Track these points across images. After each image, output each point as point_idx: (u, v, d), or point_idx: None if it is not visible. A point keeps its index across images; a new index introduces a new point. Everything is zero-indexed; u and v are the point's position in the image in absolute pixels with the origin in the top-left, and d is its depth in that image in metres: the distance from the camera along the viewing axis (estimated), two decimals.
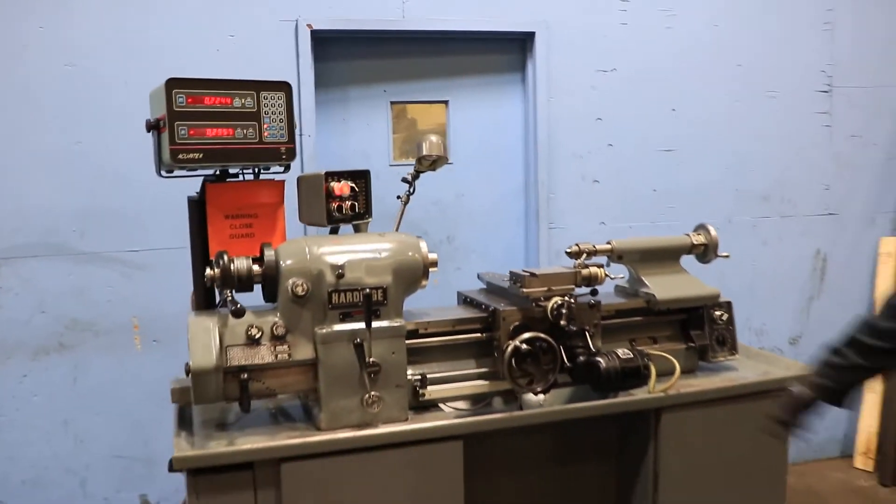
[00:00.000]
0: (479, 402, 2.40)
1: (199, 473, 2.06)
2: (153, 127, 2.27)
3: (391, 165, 3.92)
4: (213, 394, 2.11)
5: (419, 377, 2.30)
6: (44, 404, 3.55)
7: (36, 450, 3.57)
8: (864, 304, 4.54)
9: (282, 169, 2.44)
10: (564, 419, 2.38)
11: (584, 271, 2.45)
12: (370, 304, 2.15)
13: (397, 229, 2.78)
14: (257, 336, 2.13)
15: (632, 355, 2.30)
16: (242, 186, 2.45)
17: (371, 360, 2.16)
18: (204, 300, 2.50)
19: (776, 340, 4.51)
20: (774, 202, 4.48)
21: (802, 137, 4.48)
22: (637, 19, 4.15)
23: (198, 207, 2.44)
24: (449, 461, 2.21)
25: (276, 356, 2.15)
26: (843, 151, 4.52)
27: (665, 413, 2.42)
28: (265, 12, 3.63)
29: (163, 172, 2.36)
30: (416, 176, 2.87)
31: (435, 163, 2.79)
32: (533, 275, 2.37)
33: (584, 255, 2.54)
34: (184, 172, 2.37)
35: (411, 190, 2.88)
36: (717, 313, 2.65)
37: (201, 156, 2.22)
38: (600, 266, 2.49)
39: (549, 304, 2.32)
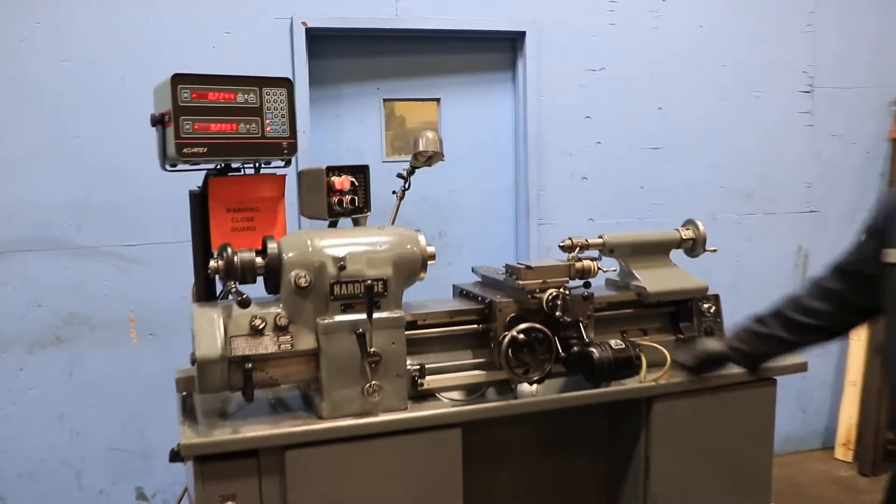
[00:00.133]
0: (474, 392, 2.46)
1: (206, 461, 2.10)
2: (158, 121, 2.31)
3: (384, 162, 3.98)
4: (217, 383, 2.15)
5: (418, 367, 2.34)
6: (40, 398, 3.58)
7: (32, 443, 3.59)
8: None
9: (282, 164, 2.49)
10: (559, 408, 2.44)
11: (578, 264, 2.51)
12: (371, 296, 2.21)
13: (393, 224, 2.84)
14: (261, 326, 2.17)
15: (624, 346, 2.36)
16: (244, 180, 2.49)
17: (372, 350, 2.21)
18: (205, 292, 2.54)
19: None
20: (758, 199, 4.58)
21: (785, 136, 4.59)
22: (625, 20, 4.23)
23: (199, 201, 2.48)
24: (448, 448, 2.27)
25: (280, 346, 2.19)
26: (824, 150, 4.63)
27: (656, 402, 2.49)
28: (260, 10, 3.68)
29: (167, 166, 2.40)
30: (411, 171, 2.92)
31: (431, 159, 2.85)
32: (529, 267, 2.43)
33: (578, 249, 2.60)
34: (186, 166, 2.41)
35: (406, 185, 2.93)
36: (706, 306, 2.72)
37: (206, 150, 2.26)
38: (593, 259, 2.56)
39: (545, 296, 2.38)
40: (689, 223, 2.84)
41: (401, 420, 2.23)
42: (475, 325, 2.47)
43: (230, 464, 2.12)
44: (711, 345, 2.28)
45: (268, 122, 2.35)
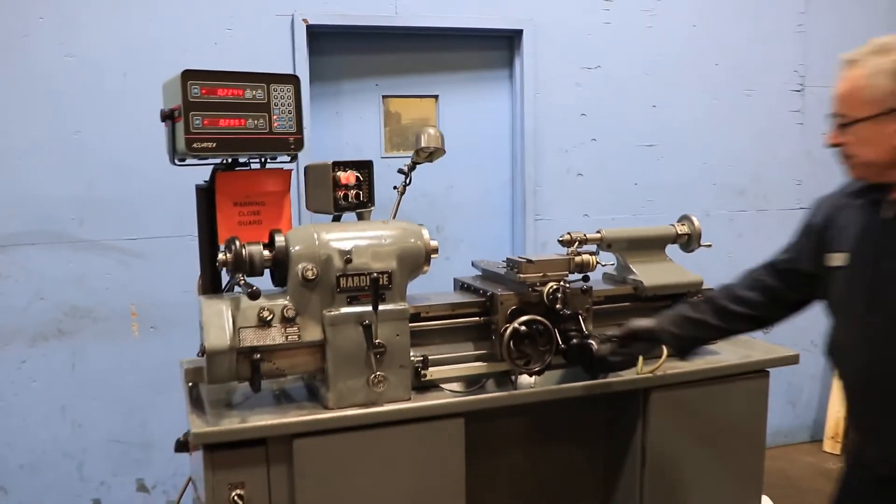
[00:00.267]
0: (474, 384, 2.50)
1: (215, 449, 2.13)
2: (167, 117, 2.35)
3: (382, 157, 4.02)
4: (226, 373, 2.18)
5: (421, 358, 2.38)
6: (42, 390, 3.61)
7: (34, 434, 3.62)
8: None
9: (288, 158, 2.53)
10: (558, 398, 2.49)
11: (578, 259, 2.56)
12: (377, 288, 2.25)
13: (394, 218, 2.88)
14: (269, 318, 2.20)
15: None
16: (251, 175, 2.53)
17: (377, 341, 2.26)
18: (211, 284, 2.58)
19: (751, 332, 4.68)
20: (750, 196, 4.66)
21: (776, 134, 4.66)
22: (620, 19, 4.30)
23: (206, 195, 2.52)
24: (451, 437, 2.32)
25: (287, 337, 2.22)
26: (814, 148, 4.70)
27: (653, 393, 2.54)
28: (262, 7, 3.72)
29: (176, 161, 2.44)
30: (412, 167, 2.96)
31: (432, 154, 2.88)
32: (529, 261, 2.48)
33: (577, 244, 2.66)
34: (195, 161, 2.45)
35: (407, 181, 2.97)
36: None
37: (215, 145, 2.30)
38: (592, 254, 2.61)
39: (545, 289, 2.43)
40: (685, 219, 2.90)
41: (406, 409, 2.27)
42: (477, 318, 2.52)
43: (239, 452, 2.15)
44: (641, 322, 2.35)
45: (275, 117, 2.39)
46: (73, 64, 3.52)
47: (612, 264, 2.83)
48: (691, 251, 2.91)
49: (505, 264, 2.63)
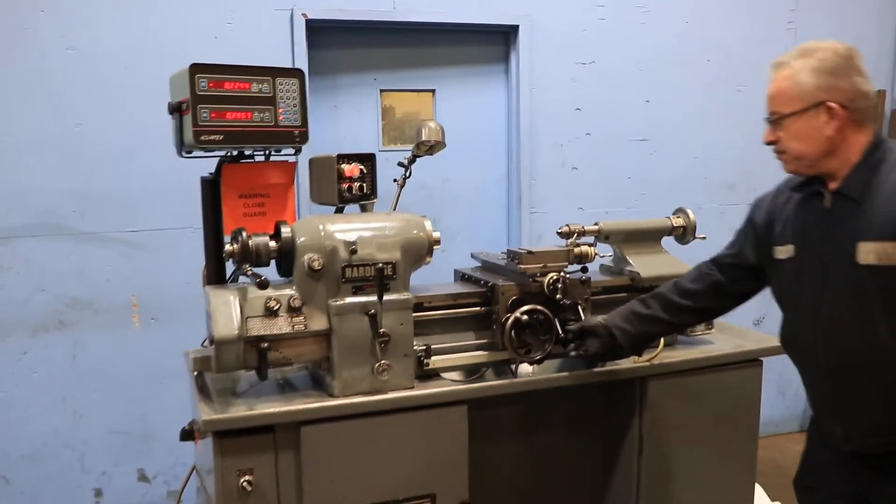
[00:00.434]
0: (473, 373, 2.55)
1: (224, 436, 2.17)
2: (175, 109, 2.38)
3: (380, 151, 4.06)
4: (233, 362, 2.22)
5: (424, 347, 2.43)
6: (43, 381, 3.64)
7: (35, 425, 3.65)
8: None
9: (292, 151, 2.57)
10: (557, 386, 2.54)
11: (577, 250, 2.61)
12: (382, 279, 2.29)
13: (394, 210, 2.92)
14: (275, 308, 2.24)
15: None
16: (256, 167, 2.56)
17: (382, 330, 2.30)
18: (216, 275, 2.62)
19: (742, 321, 4.70)
20: (740, 191, 4.72)
21: None
22: (614, 15, 4.35)
23: (211, 187, 2.55)
24: (455, 424, 2.37)
25: (293, 327, 2.26)
26: None
27: (650, 381, 2.60)
28: (262, 1, 3.75)
29: (183, 153, 2.47)
30: (412, 160, 2.99)
31: (433, 148, 2.92)
32: (530, 252, 2.52)
33: (575, 235, 2.71)
34: (201, 154, 2.48)
35: (407, 174, 3.01)
36: None
37: (222, 137, 2.33)
38: (590, 245, 2.67)
39: (546, 280, 2.48)
40: (680, 211, 2.95)
41: (411, 397, 2.32)
42: (478, 308, 2.55)
43: (247, 439, 2.19)
44: (594, 319, 2.43)
45: (280, 111, 2.42)
46: (74, 57, 3.53)
47: (610, 256, 2.88)
48: (686, 243, 2.96)
49: (505, 255, 2.68)
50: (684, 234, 2.93)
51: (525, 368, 2.54)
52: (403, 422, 2.33)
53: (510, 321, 2.42)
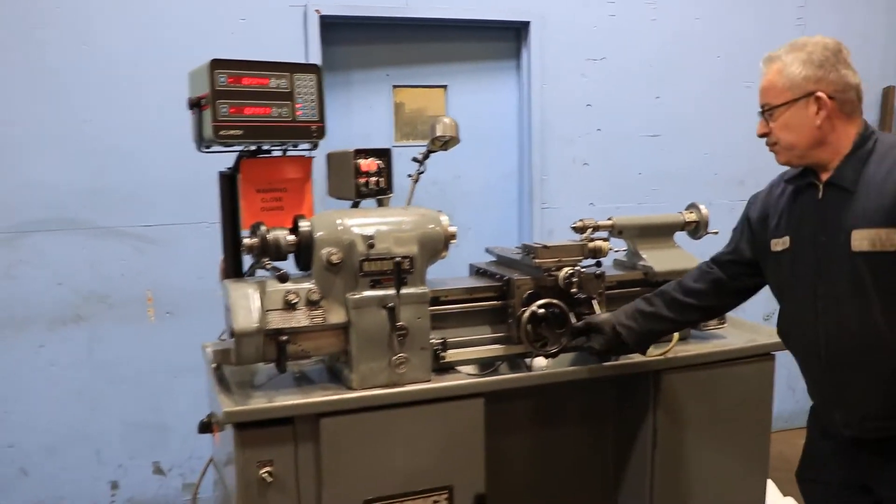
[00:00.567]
0: (487, 366, 2.57)
1: (244, 428, 2.19)
2: (195, 105, 2.40)
3: (393, 146, 4.07)
4: (253, 355, 2.23)
5: (440, 341, 2.44)
6: (60, 374, 3.67)
7: (52, 418, 3.68)
8: None
9: (309, 146, 2.59)
10: (571, 380, 2.56)
11: (591, 244, 2.63)
12: (400, 272, 2.31)
13: (408, 205, 2.94)
14: (294, 301, 2.26)
15: None
16: (274, 162, 2.59)
17: (399, 324, 2.32)
18: (233, 269, 2.64)
19: (752, 316, 4.74)
20: (750, 186, 4.66)
21: None
22: (625, 12, 4.37)
23: (228, 182, 2.58)
24: (472, 417, 2.39)
25: (312, 320, 2.27)
26: None
27: (664, 375, 2.61)
28: None
29: (202, 148, 2.49)
30: (426, 155, 3.01)
31: (447, 143, 2.94)
32: (545, 247, 2.54)
33: (589, 230, 2.73)
34: (219, 148, 2.50)
35: (422, 169, 3.03)
36: None
37: (241, 132, 2.35)
38: (605, 240, 2.69)
39: (561, 274, 2.50)
40: (693, 207, 2.96)
41: (428, 390, 2.34)
42: (493, 302, 2.57)
43: (267, 431, 2.21)
44: (599, 316, 2.47)
45: (298, 106, 2.45)
46: (87, 53, 3.57)
47: (623, 250, 2.90)
48: (699, 238, 2.98)
49: (520, 250, 2.70)
50: (697, 229, 2.95)
51: (538, 362, 2.56)
52: (421, 414, 2.34)
53: (527, 314, 2.44)
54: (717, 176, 4.66)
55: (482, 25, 4.18)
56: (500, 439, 2.64)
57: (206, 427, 2.66)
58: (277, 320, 2.25)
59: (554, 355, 2.52)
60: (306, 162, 2.62)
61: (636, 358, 2.59)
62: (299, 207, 2.61)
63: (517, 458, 2.78)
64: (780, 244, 2.16)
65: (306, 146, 2.60)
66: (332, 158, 2.69)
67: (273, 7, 3.76)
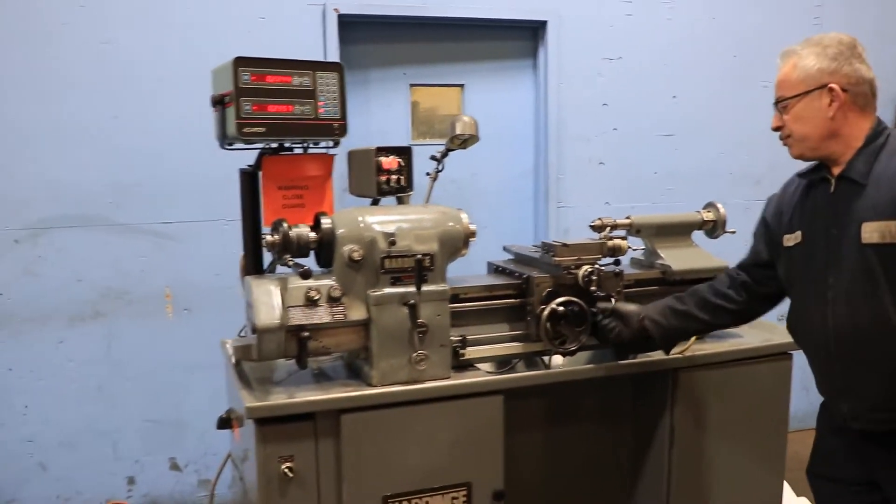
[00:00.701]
0: (504, 364, 2.58)
1: (266, 423, 2.21)
2: (218, 102, 2.41)
3: (410, 145, 4.09)
4: (275, 351, 2.24)
5: (460, 338, 2.45)
6: (79, 369, 3.70)
7: (71, 413, 3.71)
8: None
9: (330, 144, 2.60)
10: (589, 377, 2.57)
11: (610, 243, 2.64)
12: (421, 270, 2.32)
13: (427, 203, 2.95)
14: (316, 298, 2.27)
15: None
16: (295, 160, 2.60)
17: (420, 321, 2.34)
18: (254, 266, 2.66)
19: (767, 316, 4.75)
20: (766, 186, 4.71)
21: None
22: (641, 11, 4.37)
23: (250, 179, 2.59)
24: (491, 414, 2.40)
25: (333, 317, 2.29)
26: None
27: (682, 373, 2.62)
28: None
29: (225, 145, 2.50)
30: (445, 154, 3.02)
31: (466, 141, 2.95)
32: (565, 245, 2.54)
33: (608, 229, 2.74)
34: (242, 146, 2.52)
35: (440, 167, 3.04)
36: None
37: (264, 130, 2.36)
38: (623, 238, 2.69)
39: (580, 272, 2.50)
40: (710, 206, 2.96)
41: (448, 386, 2.35)
42: (512, 299, 2.57)
43: (288, 426, 2.22)
44: (628, 305, 2.47)
45: (321, 104, 2.46)
46: (109, 51, 3.59)
47: (640, 249, 2.90)
48: (716, 237, 2.98)
49: (538, 248, 2.70)
50: (714, 228, 2.95)
51: (557, 359, 2.57)
52: (440, 411, 2.35)
53: (547, 312, 2.45)
54: (732, 175, 4.66)
55: (499, 25, 4.19)
56: (516, 436, 2.64)
57: (224, 423, 2.68)
58: (299, 317, 2.26)
59: (573, 353, 2.52)
60: (328, 159, 2.63)
61: (654, 356, 2.59)
62: (320, 205, 2.62)
63: (533, 456, 2.80)
64: (792, 239, 2.19)
65: (326, 143, 2.61)
66: (353, 156, 2.70)
67: (292, 6, 3.78)
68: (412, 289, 2.32)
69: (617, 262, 2.66)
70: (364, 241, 2.31)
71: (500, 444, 2.43)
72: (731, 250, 3.07)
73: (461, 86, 4.22)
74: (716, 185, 4.57)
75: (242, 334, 2.68)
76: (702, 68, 4.52)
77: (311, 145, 2.64)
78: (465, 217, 2.48)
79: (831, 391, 2.18)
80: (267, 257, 2.58)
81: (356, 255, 2.30)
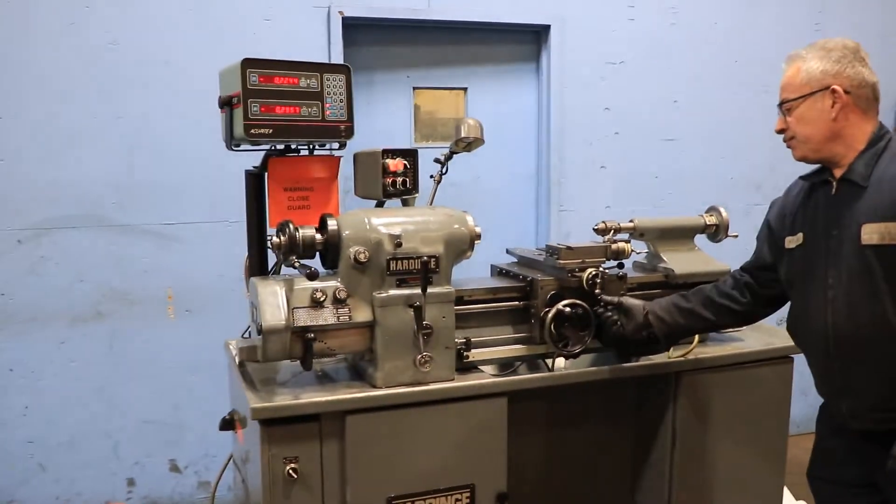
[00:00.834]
0: (507, 366, 2.59)
1: (271, 424, 2.21)
2: (226, 103, 2.41)
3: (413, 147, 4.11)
4: (280, 352, 2.24)
5: (464, 340, 2.45)
6: (80, 370, 3.70)
7: (72, 414, 3.71)
8: None
9: (336, 146, 2.61)
10: (592, 380, 2.57)
11: (614, 246, 2.64)
12: (427, 272, 2.33)
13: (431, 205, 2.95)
14: (321, 299, 2.26)
15: None
16: (301, 161, 2.60)
17: (425, 322, 2.34)
18: (259, 267, 2.66)
19: (767, 321, 4.76)
20: (766, 190, 4.74)
21: None
22: (644, 16, 4.39)
23: (255, 180, 2.60)
24: (495, 416, 2.40)
25: (338, 318, 2.29)
26: None
27: (684, 376, 2.63)
28: None
29: (232, 146, 2.51)
30: (449, 157, 3.03)
31: (471, 144, 2.96)
32: (569, 248, 2.55)
33: (611, 232, 2.75)
34: (248, 147, 2.52)
35: (444, 170, 3.05)
36: None
37: (271, 131, 2.37)
38: (627, 241, 2.70)
39: (585, 275, 2.51)
40: (713, 210, 2.97)
41: (453, 388, 2.35)
42: (516, 302, 2.58)
43: (293, 427, 2.22)
44: (634, 301, 2.48)
45: (327, 105, 2.46)
46: (116, 52, 3.60)
47: (643, 252, 2.91)
48: (718, 241, 2.99)
49: (541, 251, 2.71)
50: (717, 232, 2.96)
51: (559, 362, 2.58)
52: (444, 413, 2.36)
53: (552, 315, 2.45)
54: (733, 180, 4.68)
55: (503, 28, 4.20)
56: (519, 438, 2.65)
57: (227, 424, 2.67)
58: (304, 318, 2.26)
59: (576, 355, 2.53)
60: (333, 161, 2.63)
61: (656, 359, 2.60)
62: (326, 206, 2.63)
63: (536, 458, 2.80)
64: (793, 241, 2.21)
65: (332, 145, 2.62)
66: (359, 158, 2.71)
67: (297, 9, 3.79)
68: (417, 291, 2.32)
69: (620, 266, 2.68)
70: (370, 243, 2.31)
71: (503, 446, 2.43)
72: (732, 254, 3.09)
73: (464, 89, 4.23)
74: (716, 190, 4.59)
75: (245, 335, 2.68)
76: (704, 73, 4.54)
77: (316, 147, 2.65)
78: (470, 219, 2.48)
79: (831, 391, 2.19)
80: (272, 259, 2.59)
81: (362, 257, 2.29)
